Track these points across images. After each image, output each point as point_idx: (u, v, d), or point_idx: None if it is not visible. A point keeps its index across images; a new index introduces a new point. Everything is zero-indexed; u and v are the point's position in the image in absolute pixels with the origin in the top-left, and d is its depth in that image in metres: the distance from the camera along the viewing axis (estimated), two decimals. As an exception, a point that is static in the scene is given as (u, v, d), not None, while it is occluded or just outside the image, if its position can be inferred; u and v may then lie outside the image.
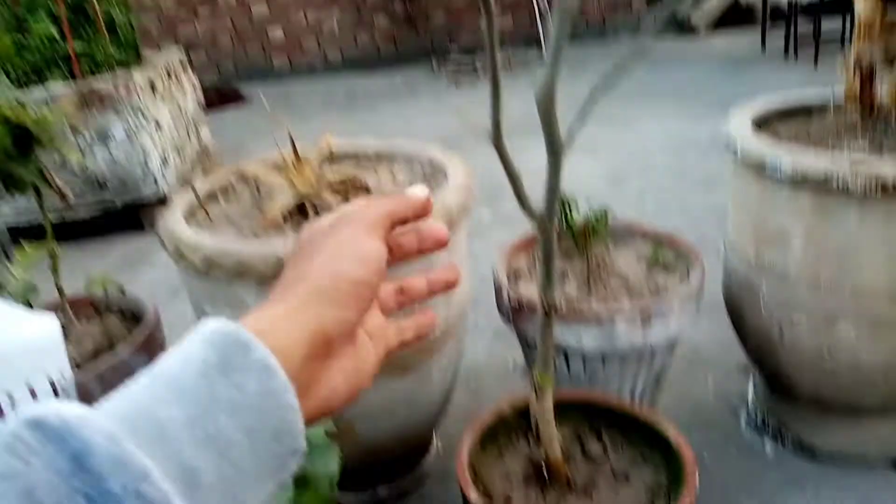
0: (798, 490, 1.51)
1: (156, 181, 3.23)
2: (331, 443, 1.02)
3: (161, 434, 0.30)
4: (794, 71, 4.87)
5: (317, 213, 1.38)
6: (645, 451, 1.17)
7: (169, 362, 0.33)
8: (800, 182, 1.31)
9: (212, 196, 1.55)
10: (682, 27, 6.20)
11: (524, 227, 1.46)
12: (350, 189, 1.45)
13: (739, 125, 1.49)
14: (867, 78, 1.45)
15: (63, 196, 1.58)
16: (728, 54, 5.49)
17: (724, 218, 1.62)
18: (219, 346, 0.34)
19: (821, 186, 1.29)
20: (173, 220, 1.34)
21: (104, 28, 3.33)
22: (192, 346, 0.34)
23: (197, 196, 1.46)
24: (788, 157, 1.32)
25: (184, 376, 0.33)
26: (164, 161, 3.29)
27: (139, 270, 2.98)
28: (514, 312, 1.50)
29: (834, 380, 1.46)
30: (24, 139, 1.41)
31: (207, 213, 1.46)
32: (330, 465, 1.03)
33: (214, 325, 0.35)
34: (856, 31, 1.45)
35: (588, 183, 3.28)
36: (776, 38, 5.36)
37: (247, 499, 0.33)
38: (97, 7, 3.30)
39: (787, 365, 1.51)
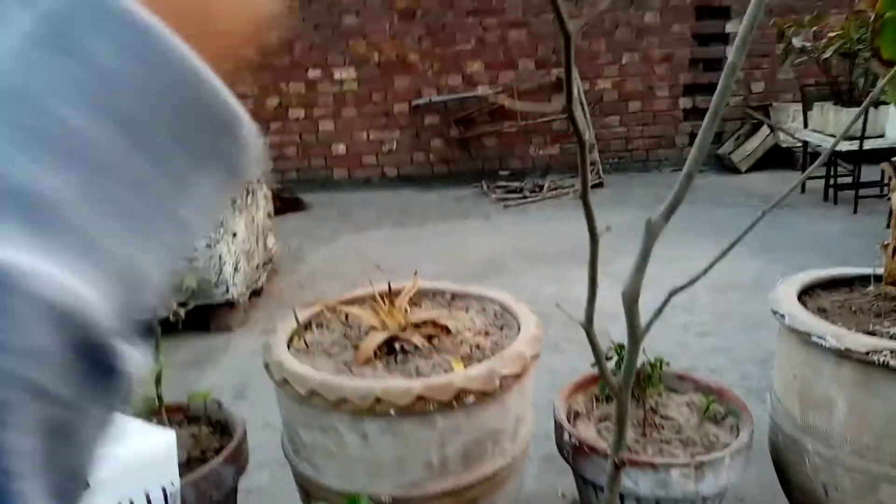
0: None
1: (227, 287, 3.47)
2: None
3: None
4: (834, 216, 5.04)
5: (404, 351, 1.55)
6: None
7: None
8: (843, 356, 1.45)
9: (307, 325, 1.74)
10: (723, 165, 6.47)
11: (571, 351, 1.59)
12: (431, 330, 1.63)
13: (785, 295, 1.65)
14: (904, 263, 1.61)
15: (173, 313, 1.79)
16: (768, 195, 5.71)
17: (765, 361, 1.75)
18: (45, 5, 0.23)
19: (863, 362, 1.42)
20: (279, 351, 1.53)
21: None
22: (6, 14, 0.23)
23: (299, 325, 1.65)
24: (833, 332, 1.47)
25: None
26: (236, 268, 3.55)
27: (205, 371, 3.17)
28: (573, 452, 1.63)
29: (877, 542, 1.53)
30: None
31: (305, 342, 1.64)
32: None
33: None
34: (893, 219, 1.62)
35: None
36: (816, 181, 5.57)
37: (166, 206, 0.24)
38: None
39: (832, 523, 1.59)
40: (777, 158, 6.34)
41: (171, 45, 0.23)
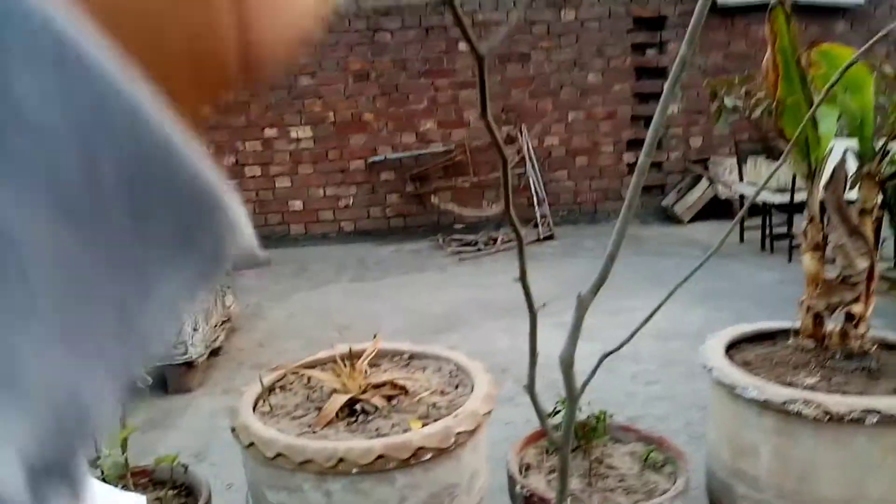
0: None
1: (186, 347, 3.51)
2: None
3: None
4: (770, 265, 5.32)
5: (365, 412, 1.65)
6: None
7: None
8: (764, 406, 1.61)
9: (271, 388, 1.83)
10: (667, 216, 6.78)
11: (525, 404, 1.70)
12: (391, 390, 1.74)
13: (713, 350, 1.81)
14: (816, 320, 1.79)
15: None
16: (709, 245, 5.99)
17: (706, 408, 1.89)
18: None
19: (781, 411, 1.58)
20: (246, 414, 1.61)
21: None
22: None
23: (263, 388, 1.74)
24: (755, 384, 1.63)
25: None
26: (195, 328, 3.59)
27: (166, 432, 3.18)
28: (525, 502, 1.74)
29: (804, 578, 1.67)
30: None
31: (270, 405, 1.73)
32: None
33: None
34: (805, 279, 1.81)
35: (584, 369, 3.57)
36: (754, 231, 5.88)
37: (119, 310, 0.19)
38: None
39: (764, 562, 1.72)
40: (717, 209, 6.67)
41: (125, 90, 0.17)
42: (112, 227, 0.18)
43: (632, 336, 1.22)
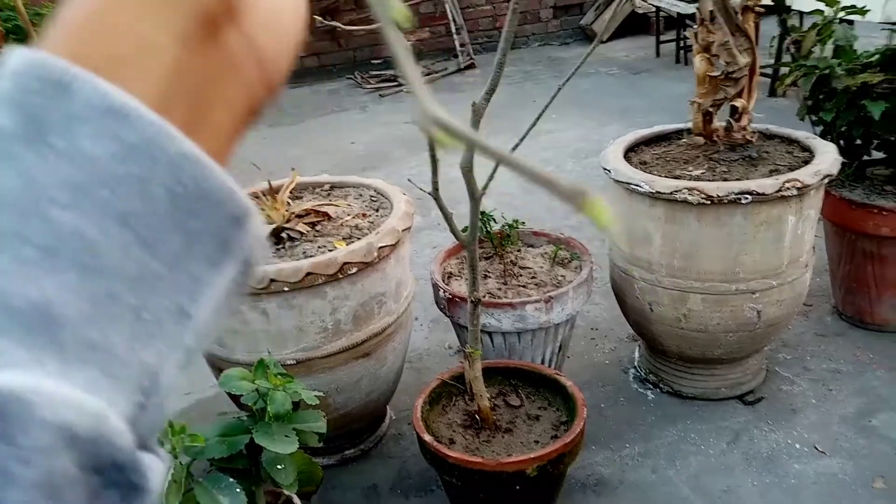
0: (670, 424, 1.99)
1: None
2: (318, 404, 1.41)
3: None
4: (684, 76, 5.45)
5: (291, 239, 1.75)
6: (550, 399, 1.62)
7: None
8: (654, 198, 1.78)
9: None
10: (586, 35, 6.76)
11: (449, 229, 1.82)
12: (314, 217, 1.83)
13: (613, 154, 1.95)
14: (706, 117, 1.93)
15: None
16: (627, 62, 6.07)
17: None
18: (17, 98, 0.21)
19: (669, 200, 1.75)
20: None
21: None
22: None
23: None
24: (646, 179, 1.78)
25: None
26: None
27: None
28: (448, 304, 1.92)
29: (690, 340, 1.94)
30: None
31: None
32: (319, 422, 1.41)
33: (9, 66, 0.22)
34: (696, 80, 1.93)
35: (504, 190, 3.73)
36: (669, 45, 5.96)
37: (180, 306, 0.23)
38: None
39: (657, 332, 1.98)
40: (635, 25, 6.68)
41: (166, 132, 0.22)
42: (168, 243, 0.22)
43: (521, 140, 1.32)
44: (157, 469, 0.23)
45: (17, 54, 0.22)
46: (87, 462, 0.20)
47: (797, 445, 1.88)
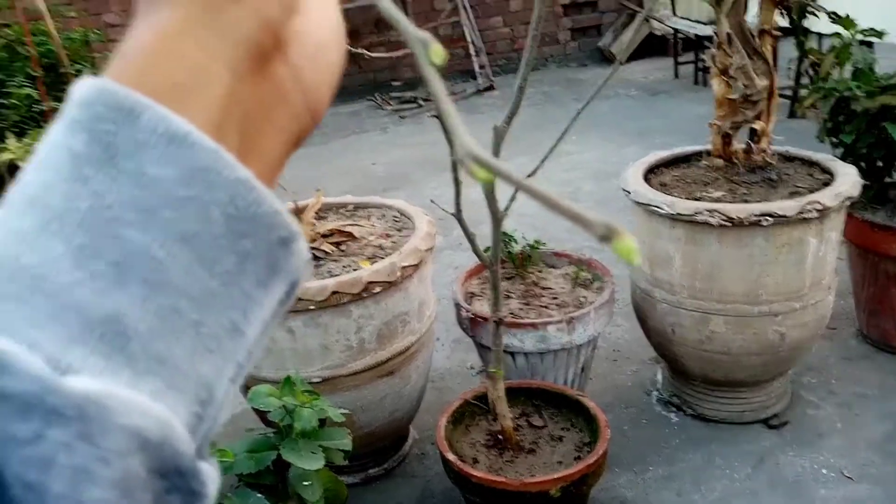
0: (694, 447, 1.98)
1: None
2: (344, 421, 1.43)
3: (34, 288, 0.21)
4: (702, 98, 5.46)
5: (316, 258, 1.79)
6: (573, 420, 1.62)
7: (24, 178, 0.23)
8: (675, 219, 1.79)
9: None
10: (604, 57, 6.80)
11: (471, 250, 1.84)
12: (338, 237, 1.87)
13: (633, 175, 1.97)
14: (725, 139, 1.95)
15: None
16: (645, 83, 6.09)
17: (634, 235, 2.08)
18: (87, 124, 0.23)
19: (690, 222, 1.77)
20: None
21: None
22: (51, 138, 0.23)
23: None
24: (667, 201, 1.80)
25: (44, 190, 0.22)
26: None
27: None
28: (471, 324, 1.94)
29: (713, 363, 1.94)
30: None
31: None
32: (344, 439, 1.43)
33: (78, 94, 0.23)
34: (715, 103, 1.95)
35: (526, 211, 3.76)
36: (687, 65, 5.98)
37: (234, 323, 0.24)
38: (69, 66, 3.62)
39: (680, 354, 1.99)
40: (653, 47, 6.71)
41: (222, 158, 0.23)
42: (223, 263, 0.23)
43: (542, 162, 1.35)
44: (213, 478, 0.24)
45: (86, 83, 0.23)
46: (154, 466, 0.21)
47: (823, 471, 1.87)
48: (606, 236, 0.22)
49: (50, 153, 0.23)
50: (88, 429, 0.20)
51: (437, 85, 0.26)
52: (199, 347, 0.23)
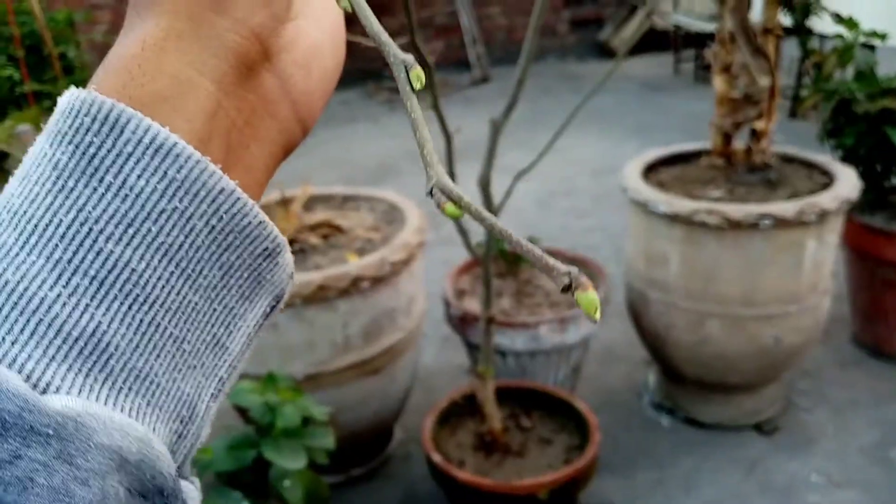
0: (685, 452, 1.95)
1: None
2: (327, 420, 1.38)
3: (13, 304, 0.21)
4: (702, 95, 5.41)
5: (303, 251, 1.74)
6: (563, 422, 1.58)
7: (7, 190, 0.23)
8: (673, 219, 1.75)
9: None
10: (604, 51, 6.75)
11: (461, 245, 1.81)
12: (326, 229, 1.82)
13: (631, 173, 1.93)
14: (725, 138, 1.90)
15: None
16: (645, 79, 6.04)
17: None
18: (71, 136, 0.22)
19: (688, 222, 1.73)
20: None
21: (60, 68, 3.57)
22: (35, 150, 0.23)
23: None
24: (665, 200, 1.76)
25: (27, 203, 0.22)
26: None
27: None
28: (460, 322, 1.90)
29: (707, 366, 1.90)
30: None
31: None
32: (327, 439, 1.39)
33: (62, 105, 0.23)
34: (716, 101, 1.90)
35: (520, 206, 3.71)
36: (687, 61, 5.93)
37: (217, 338, 0.24)
38: (52, 48, 3.54)
39: (673, 357, 1.95)
40: (653, 42, 6.65)
41: (206, 169, 0.23)
42: (206, 276, 0.23)
43: (539, 157, 1.31)
44: (194, 497, 0.24)
45: (71, 94, 0.23)
46: (134, 485, 0.21)
47: (813, 477, 1.84)
48: (569, 287, 0.21)
49: (34, 165, 0.22)
50: (67, 448, 0.20)
51: (417, 110, 0.25)
52: (181, 364, 0.23)
